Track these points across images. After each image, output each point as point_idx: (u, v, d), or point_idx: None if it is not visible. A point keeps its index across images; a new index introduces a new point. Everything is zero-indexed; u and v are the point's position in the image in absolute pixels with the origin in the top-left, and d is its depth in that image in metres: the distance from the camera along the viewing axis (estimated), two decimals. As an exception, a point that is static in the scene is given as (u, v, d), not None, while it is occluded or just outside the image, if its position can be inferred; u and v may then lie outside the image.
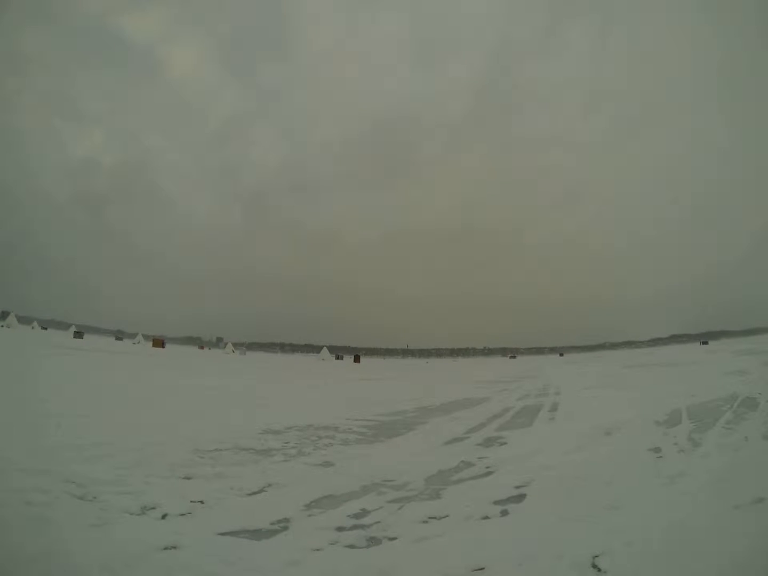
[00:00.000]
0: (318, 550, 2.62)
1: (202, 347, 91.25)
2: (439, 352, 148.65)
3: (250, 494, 3.59)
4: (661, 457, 4.51)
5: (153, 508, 3.11)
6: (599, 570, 2.26)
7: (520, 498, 3.49)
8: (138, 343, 59.14)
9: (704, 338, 76.47)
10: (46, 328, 62.77)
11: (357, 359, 57.67)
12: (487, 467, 4.50)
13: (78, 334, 50.08)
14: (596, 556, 2.38)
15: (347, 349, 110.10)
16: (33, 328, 55.60)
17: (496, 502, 3.40)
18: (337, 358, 68.19)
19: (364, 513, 3.26)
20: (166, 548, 2.49)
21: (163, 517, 2.99)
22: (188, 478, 3.88)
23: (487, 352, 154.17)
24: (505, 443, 5.71)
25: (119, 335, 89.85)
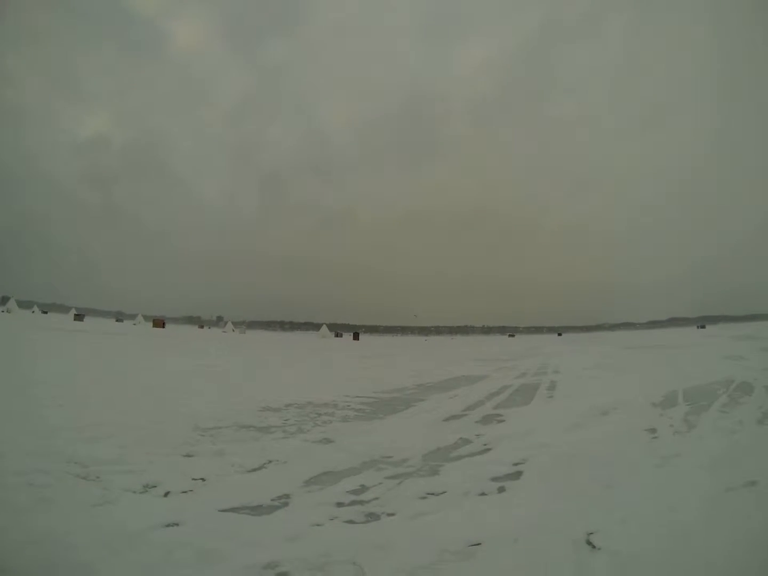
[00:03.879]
0: (317, 525, 2.66)
1: (201, 326, 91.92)
2: (438, 330, 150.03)
3: (250, 471, 3.63)
4: (656, 437, 4.57)
5: (155, 486, 3.15)
6: (594, 547, 2.30)
7: (517, 475, 3.54)
8: (138, 323, 59.40)
9: (703, 322, 77.10)
10: (46, 312, 62.96)
11: (356, 337, 58.04)
12: (485, 444, 4.55)
13: (78, 317, 50.34)
14: (591, 534, 2.42)
15: (347, 327, 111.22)
16: (33, 312, 55.72)
17: (493, 479, 3.45)
18: (337, 335, 68.82)
19: (363, 489, 3.30)
20: (168, 525, 2.53)
21: (166, 494, 3.04)
22: (189, 456, 3.93)
23: (486, 330, 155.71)
24: (503, 421, 5.77)
25: (119, 317, 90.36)
